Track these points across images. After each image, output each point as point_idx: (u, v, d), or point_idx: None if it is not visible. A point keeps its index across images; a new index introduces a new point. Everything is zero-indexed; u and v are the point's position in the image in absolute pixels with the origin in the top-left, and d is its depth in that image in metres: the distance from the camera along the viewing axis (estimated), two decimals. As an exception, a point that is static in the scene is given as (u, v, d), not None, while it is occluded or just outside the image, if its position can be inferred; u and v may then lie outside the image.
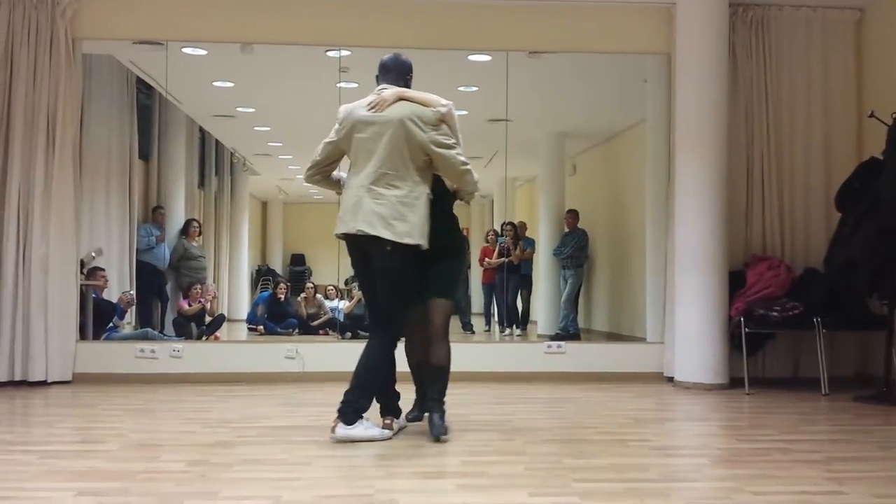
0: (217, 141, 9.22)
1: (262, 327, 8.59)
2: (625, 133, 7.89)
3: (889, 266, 5.45)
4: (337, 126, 4.14)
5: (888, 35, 6.26)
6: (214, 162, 9.21)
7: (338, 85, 7.16)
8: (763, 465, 3.60)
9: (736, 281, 6.11)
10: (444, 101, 4.08)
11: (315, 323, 8.70)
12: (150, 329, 7.01)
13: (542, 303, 8.58)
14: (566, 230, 8.35)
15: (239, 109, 8.63)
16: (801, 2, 6.45)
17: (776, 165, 6.46)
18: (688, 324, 6.03)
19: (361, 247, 4.02)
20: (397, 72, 4.21)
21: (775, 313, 5.83)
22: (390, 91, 4.09)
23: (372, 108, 4.04)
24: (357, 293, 8.71)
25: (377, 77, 4.24)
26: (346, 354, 6.35)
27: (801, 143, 6.49)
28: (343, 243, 4.13)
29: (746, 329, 5.84)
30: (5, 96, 6.00)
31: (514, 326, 8.60)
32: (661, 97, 6.71)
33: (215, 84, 7.92)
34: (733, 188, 6.28)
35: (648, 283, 6.90)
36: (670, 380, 6.26)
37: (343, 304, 8.86)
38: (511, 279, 8.64)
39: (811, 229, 6.44)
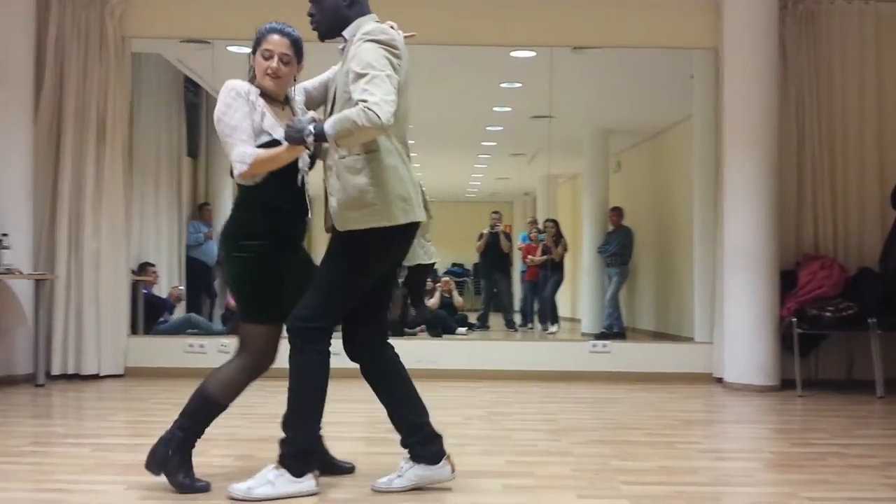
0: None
1: None
2: (671, 129, 7.78)
3: (948, 266, 5.30)
4: (396, 59, 2.95)
5: (947, 27, 6.07)
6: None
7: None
8: (817, 469, 3.52)
9: (787, 280, 5.98)
10: None
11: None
12: (193, 314, 7.08)
13: (587, 301, 8.51)
14: (610, 228, 8.28)
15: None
16: (853, -6, 6.28)
17: (829, 162, 6.30)
18: (738, 323, 5.92)
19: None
20: None
21: (829, 314, 5.70)
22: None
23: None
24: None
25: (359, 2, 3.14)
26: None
27: (854, 139, 6.31)
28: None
29: (799, 330, 5.72)
30: (56, 95, 6.10)
31: (551, 323, 8.57)
32: (708, 93, 6.59)
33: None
34: (784, 185, 6.14)
35: (696, 281, 6.80)
36: (719, 380, 6.15)
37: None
38: (552, 276, 8.61)
39: (865, 228, 6.26)
